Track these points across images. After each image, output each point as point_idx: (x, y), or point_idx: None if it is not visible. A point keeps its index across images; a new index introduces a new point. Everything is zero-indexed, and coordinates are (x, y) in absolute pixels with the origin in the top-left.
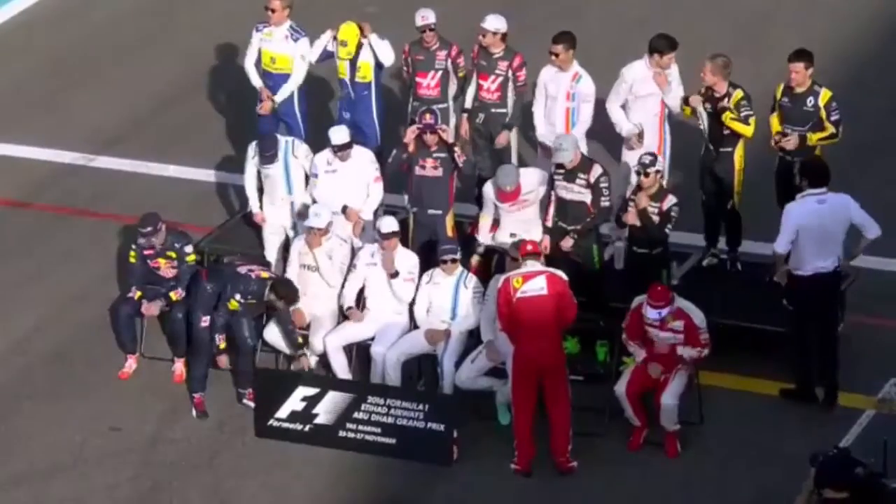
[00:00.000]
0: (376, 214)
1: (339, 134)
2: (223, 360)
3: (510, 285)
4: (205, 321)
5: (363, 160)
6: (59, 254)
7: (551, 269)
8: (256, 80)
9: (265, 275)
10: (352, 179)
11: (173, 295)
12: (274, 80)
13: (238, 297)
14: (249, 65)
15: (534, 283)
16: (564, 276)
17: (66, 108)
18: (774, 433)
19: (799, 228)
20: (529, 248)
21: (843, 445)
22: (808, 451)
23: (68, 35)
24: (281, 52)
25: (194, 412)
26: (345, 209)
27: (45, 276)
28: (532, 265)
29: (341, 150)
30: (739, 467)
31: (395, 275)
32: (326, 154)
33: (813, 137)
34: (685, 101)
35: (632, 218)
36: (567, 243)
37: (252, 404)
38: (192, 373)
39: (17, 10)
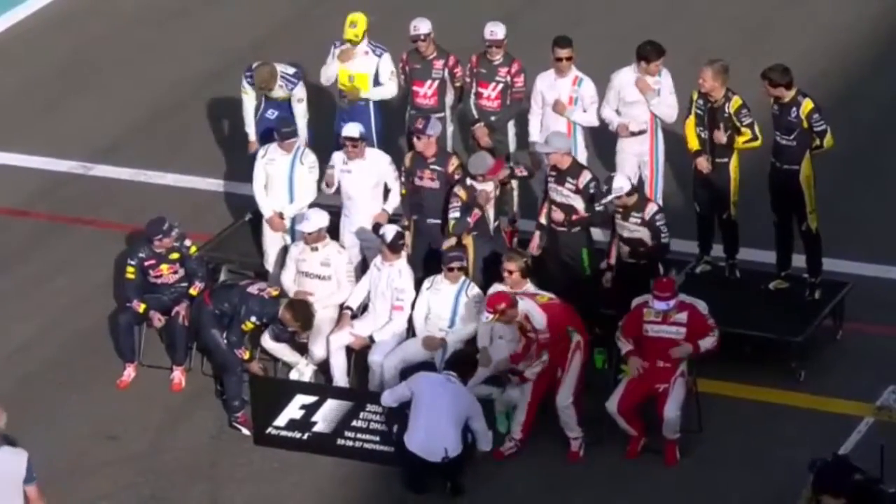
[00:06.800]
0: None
1: (351, 129)
2: (255, 367)
3: None
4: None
5: (380, 162)
6: (57, 262)
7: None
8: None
9: (275, 292)
10: (366, 177)
11: (193, 290)
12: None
13: (254, 318)
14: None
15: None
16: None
17: (64, 116)
18: (772, 440)
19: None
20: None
21: (842, 453)
22: (806, 457)
23: (66, 44)
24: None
25: (244, 430)
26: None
27: (43, 284)
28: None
29: (351, 142)
30: (737, 474)
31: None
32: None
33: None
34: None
35: (612, 258)
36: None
37: (245, 430)
38: (229, 394)
39: (15, 20)
